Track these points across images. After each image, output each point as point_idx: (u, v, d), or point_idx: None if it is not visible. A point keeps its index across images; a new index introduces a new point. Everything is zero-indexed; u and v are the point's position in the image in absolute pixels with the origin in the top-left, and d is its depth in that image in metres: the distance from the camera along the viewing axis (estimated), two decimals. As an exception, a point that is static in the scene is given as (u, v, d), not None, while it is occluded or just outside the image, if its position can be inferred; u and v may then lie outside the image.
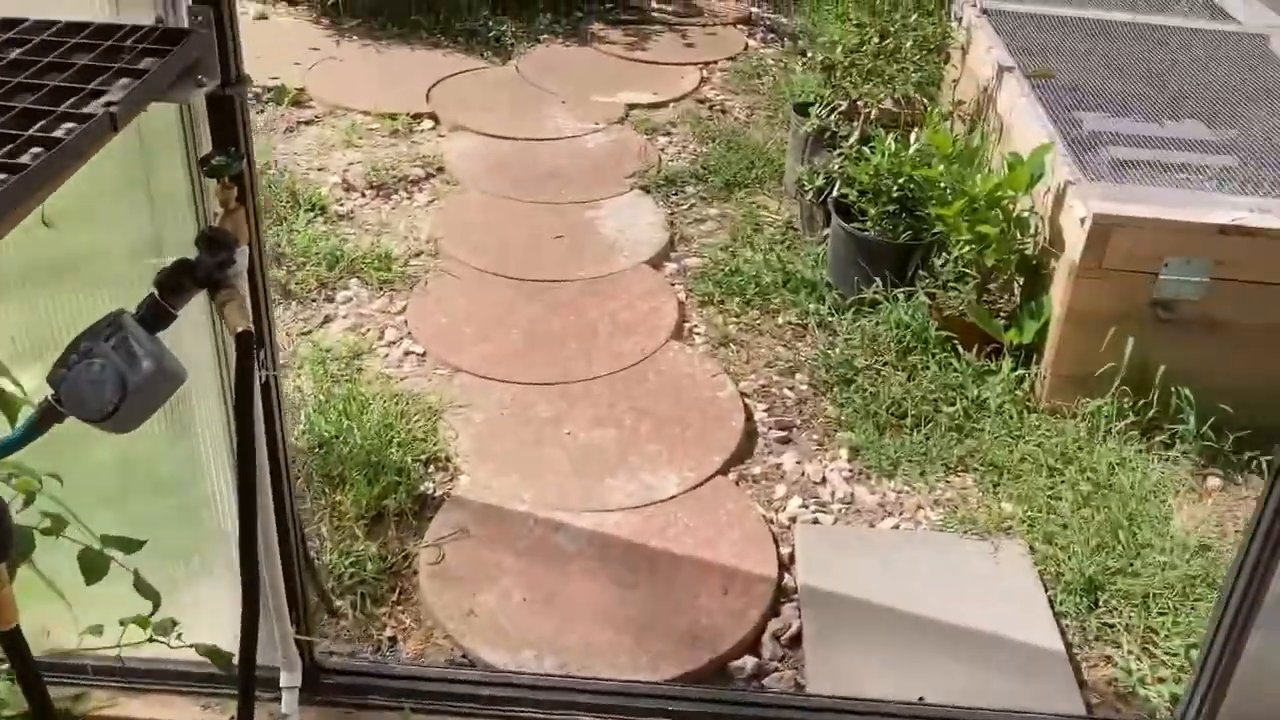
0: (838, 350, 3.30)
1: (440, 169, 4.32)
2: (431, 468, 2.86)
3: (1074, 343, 2.94)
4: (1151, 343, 2.89)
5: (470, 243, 3.81)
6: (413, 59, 5.27)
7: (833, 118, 3.80)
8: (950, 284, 3.28)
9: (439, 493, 2.78)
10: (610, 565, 2.56)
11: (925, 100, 3.81)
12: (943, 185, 3.19)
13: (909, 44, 3.84)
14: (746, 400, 3.15)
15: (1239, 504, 2.81)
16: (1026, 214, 3.15)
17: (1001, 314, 3.22)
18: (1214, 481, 2.87)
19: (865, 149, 3.53)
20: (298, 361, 3.20)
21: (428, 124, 4.68)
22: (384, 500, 2.69)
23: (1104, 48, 4.18)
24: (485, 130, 4.61)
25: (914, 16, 3.87)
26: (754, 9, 6.09)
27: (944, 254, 3.32)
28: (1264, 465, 2.85)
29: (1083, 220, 2.82)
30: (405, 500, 2.71)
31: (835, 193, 3.59)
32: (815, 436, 3.05)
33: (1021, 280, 3.18)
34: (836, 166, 3.65)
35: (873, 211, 3.42)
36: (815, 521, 2.74)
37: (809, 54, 5.15)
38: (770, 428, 3.07)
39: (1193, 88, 3.82)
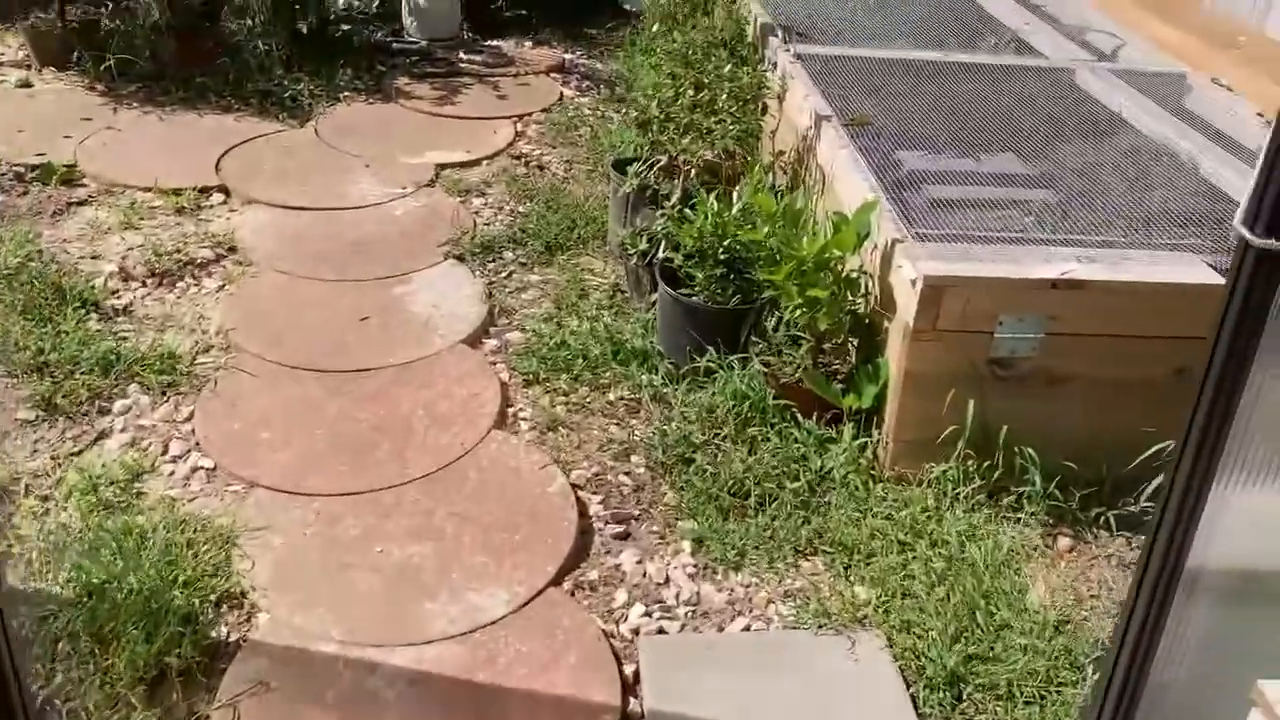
0: (674, 426, 3.09)
1: (232, 249, 3.94)
2: (224, 608, 2.50)
3: (914, 407, 2.81)
4: (992, 402, 2.78)
5: (266, 332, 3.45)
6: (200, 126, 4.85)
7: (652, 174, 3.61)
8: (784, 349, 3.11)
9: (233, 638, 2.43)
10: (431, 711, 2.26)
11: (745, 154, 3.67)
12: (770, 247, 3.03)
13: (724, 95, 3.69)
14: (579, 493, 2.90)
15: (1091, 565, 2.72)
16: (856, 274, 3.02)
17: (839, 377, 3.08)
18: (1065, 542, 2.77)
19: (688, 210, 3.35)
20: (64, 492, 2.79)
21: (217, 198, 4.29)
22: (166, 656, 2.33)
23: (918, 87, 4.14)
24: (282, 202, 4.25)
25: (728, 67, 3.72)
26: (567, 55, 5.90)
27: (776, 316, 3.15)
28: (1112, 520, 2.77)
29: (913, 282, 2.69)
30: (192, 653, 2.35)
31: (660, 255, 3.40)
32: (655, 528, 2.82)
33: (856, 343, 3.04)
34: (660, 227, 3.46)
35: (700, 276, 3.24)
36: (660, 631, 2.50)
37: (626, 103, 4.99)
38: (606, 522, 2.83)
39: (1006, 123, 3.79)
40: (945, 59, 4.35)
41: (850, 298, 2.98)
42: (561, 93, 5.45)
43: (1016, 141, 3.67)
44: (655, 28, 4.61)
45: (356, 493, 2.83)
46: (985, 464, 2.80)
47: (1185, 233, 3.01)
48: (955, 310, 2.68)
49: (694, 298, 3.25)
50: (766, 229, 3.04)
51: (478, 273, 3.87)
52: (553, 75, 5.65)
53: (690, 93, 3.76)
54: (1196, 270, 2.72)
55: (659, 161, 3.61)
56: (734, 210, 3.22)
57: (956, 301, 2.69)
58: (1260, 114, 3.86)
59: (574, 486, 2.91)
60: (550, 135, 5.00)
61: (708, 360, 3.19)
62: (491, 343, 3.52)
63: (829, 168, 3.46)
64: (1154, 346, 2.74)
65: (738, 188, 3.44)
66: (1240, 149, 3.71)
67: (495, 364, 3.40)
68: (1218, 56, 4.80)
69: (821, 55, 4.30)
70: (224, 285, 3.73)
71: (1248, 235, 1.34)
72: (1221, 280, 2.60)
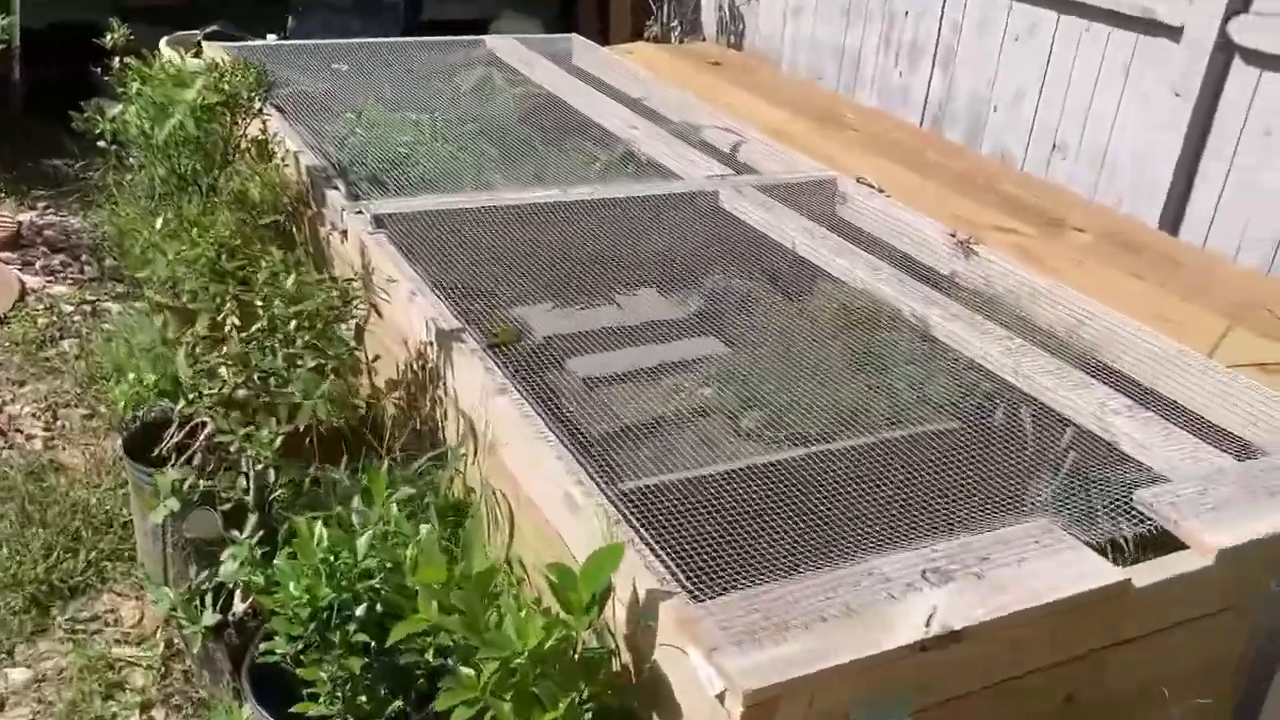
0: None
1: None
2: None
3: None
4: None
5: None
6: None
7: (203, 484, 2.22)
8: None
9: None
10: None
11: (350, 427, 2.39)
12: (451, 638, 1.80)
13: (291, 324, 2.36)
14: None
15: None
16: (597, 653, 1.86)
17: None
18: None
19: (279, 557, 2.01)
20: None
21: None
22: None
23: (542, 238, 3.09)
24: None
25: (291, 278, 2.38)
26: (26, 215, 4.18)
27: None
28: None
29: (721, 698, 1.59)
30: None
31: (251, 641, 2.04)
32: None
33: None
34: (235, 583, 2.09)
35: (323, 675, 1.92)
36: None
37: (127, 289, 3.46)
38: None
39: (655, 265, 2.96)
40: (565, 198, 3.32)
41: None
42: (23, 285, 3.76)
43: (668, 283, 2.94)
44: (155, 195, 3.14)
45: None
46: None
47: (930, 409, 2.21)
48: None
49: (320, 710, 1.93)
50: (434, 604, 1.79)
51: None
52: (6, 256, 3.93)
53: (235, 325, 2.41)
54: (1085, 564, 1.86)
55: (211, 461, 2.23)
56: (362, 555, 1.94)
57: (794, 710, 1.63)
58: (953, 234, 3.21)
59: None
60: (17, 364, 3.34)
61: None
62: None
63: (481, 423, 2.28)
64: (1037, 680, 1.86)
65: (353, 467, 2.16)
66: (932, 275, 3.04)
67: None
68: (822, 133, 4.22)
69: (409, 213, 3.10)
70: None
71: None
72: (1120, 575, 1.78)
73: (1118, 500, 2.03)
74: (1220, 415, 2.39)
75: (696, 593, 1.75)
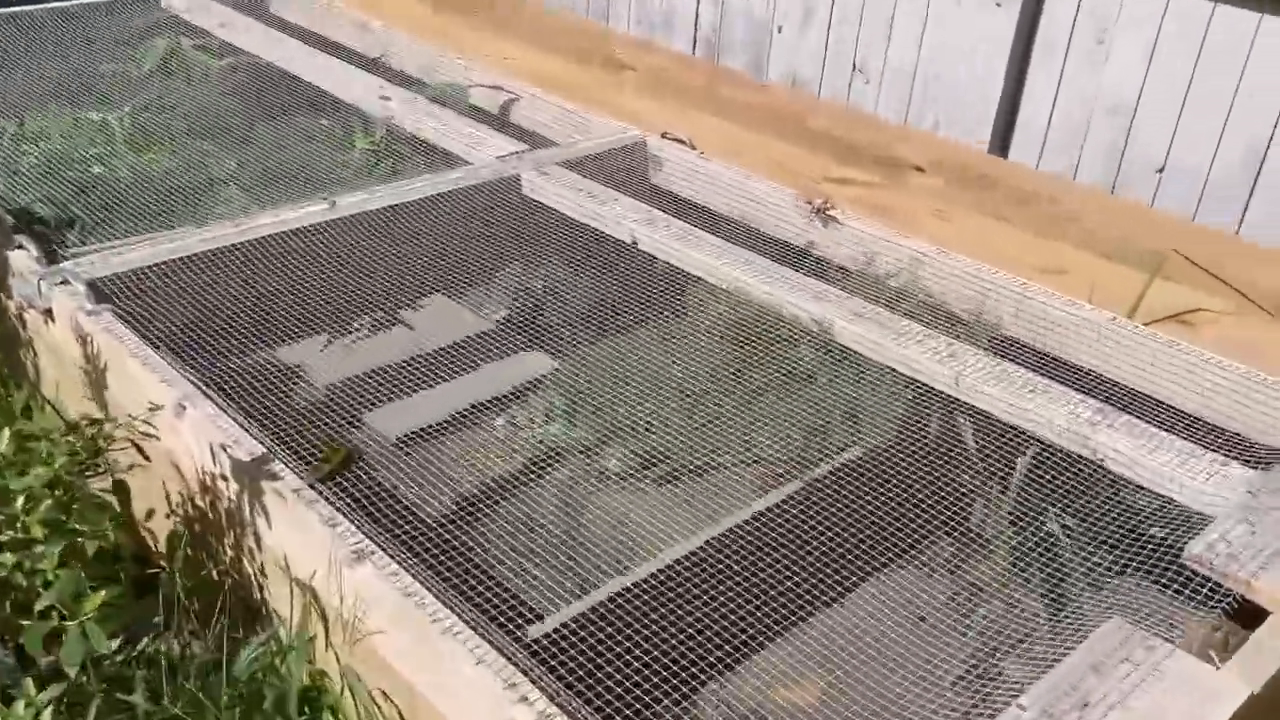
0: None
1: None
2: None
3: None
4: None
5: None
6: None
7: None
8: None
9: None
10: None
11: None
12: None
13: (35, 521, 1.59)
14: None
15: None
16: None
17: None
18: None
19: None
20: None
21: None
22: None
23: (319, 262, 2.42)
24: None
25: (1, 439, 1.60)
26: None
27: None
28: None
29: None
30: None
31: None
32: None
33: None
34: None
35: None
36: None
37: None
38: None
39: (456, 269, 2.28)
40: (335, 214, 2.61)
41: None
42: None
43: (481, 297, 2.46)
44: None
45: None
46: None
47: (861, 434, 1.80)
48: None
49: None
50: None
51: None
52: None
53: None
54: (1199, 682, 1.46)
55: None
56: None
57: None
58: (810, 202, 2.77)
59: None
60: None
61: None
62: None
63: (333, 598, 1.63)
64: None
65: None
66: (792, 253, 2.60)
67: None
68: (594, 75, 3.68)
69: (136, 269, 2.30)
70: None
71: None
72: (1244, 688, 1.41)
73: (1156, 552, 1.68)
74: (1189, 400, 2.11)
75: None
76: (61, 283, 2.22)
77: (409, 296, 2.54)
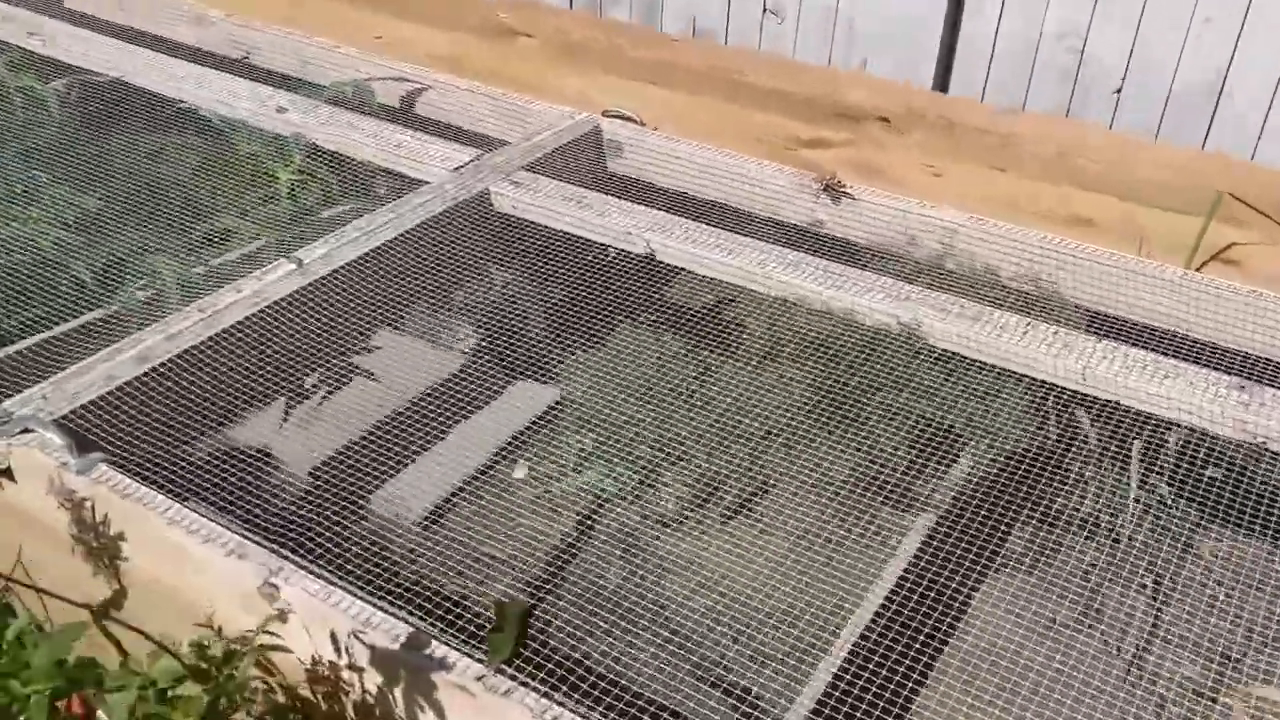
0: None
1: None
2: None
3: None
4: None
5: None
6: None
7: None
8: None
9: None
10: None
11: None
12: None
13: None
14: None
15: None
16: None
17: None
18: None
19: None
20: None
21: None
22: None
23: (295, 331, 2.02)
24: None
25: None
26: None
27: None
28: None
29: None
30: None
31: None
32: None
33: None
34: None
35: None
36: None
37: None
38: None
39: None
40: (305, 279, 2.19)
41: None
42: None
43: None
44: None
45: None
46: None
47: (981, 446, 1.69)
48: None
49: None
50: None
51: None
52: None
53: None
54: None
55: None
56: None
57: None
58: (818, 179, 2.55)
59: None
60: None
61: None
62: None
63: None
64: None
65: None
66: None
67: None
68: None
69: (104, 395, 1.84)
70: None
71: None
72: None
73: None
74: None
75: None
76: (22, 431, 1.74)
77: (380, 343, 2.18)
